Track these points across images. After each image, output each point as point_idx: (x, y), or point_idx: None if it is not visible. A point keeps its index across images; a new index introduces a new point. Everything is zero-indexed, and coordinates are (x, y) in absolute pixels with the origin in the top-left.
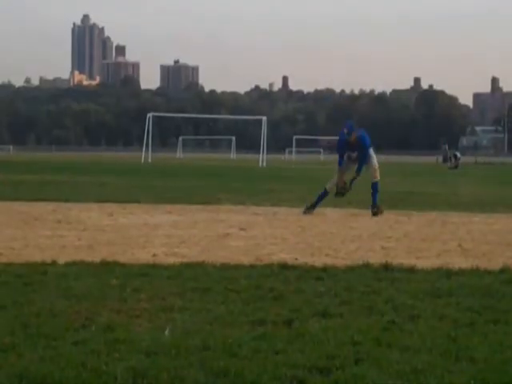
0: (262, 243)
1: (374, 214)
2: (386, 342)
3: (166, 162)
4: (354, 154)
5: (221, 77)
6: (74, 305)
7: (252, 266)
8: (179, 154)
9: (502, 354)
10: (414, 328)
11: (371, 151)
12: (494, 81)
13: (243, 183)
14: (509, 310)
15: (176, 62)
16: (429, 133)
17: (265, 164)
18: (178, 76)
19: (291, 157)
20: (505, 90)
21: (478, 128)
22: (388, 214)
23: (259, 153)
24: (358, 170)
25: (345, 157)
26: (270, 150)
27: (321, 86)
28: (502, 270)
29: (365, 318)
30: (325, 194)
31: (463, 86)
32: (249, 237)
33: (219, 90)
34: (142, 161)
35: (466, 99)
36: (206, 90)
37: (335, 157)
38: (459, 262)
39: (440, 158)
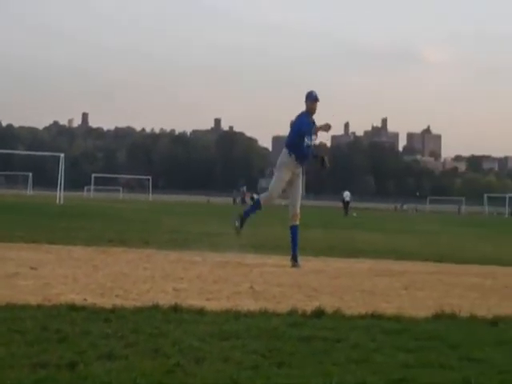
0: (52, 283)
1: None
2: None
3: None
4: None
5: (18, 111)
6: None
7: (39, 307)
8: None
9: None
10: (198, 370)
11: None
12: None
13: (38, 220)
14: (294, 352)
15: None
16: (228, 174)
17: (62, 201)
18: None
19: (90, 194)
20: None
21: None
22: (183, 254)
23: (56, 190)
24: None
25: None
26: (68, 187)
27: (121, 124)
28: (290, 313)
29: (150, 360)
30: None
31: (263, 128)
32: (39, 276)
33: (16, 124)
34: None
35: (266, 142)
36: (3, 124)
37: (135, 195)
38: (249, 304)
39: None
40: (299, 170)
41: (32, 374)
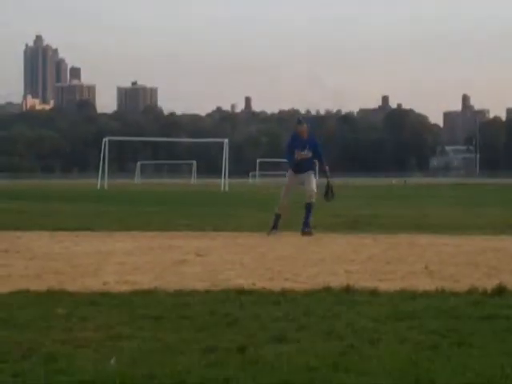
0: (218, 269)
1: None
2: (344, 367)
3: (123, 188)
4: (305, 152)
5: (180, 99)
6: (15, 335)
7: (207, 292)
8: (137, 179)
9: (463, 376)
10: (373, 352)
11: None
12: (465, 99)
13: (203, 208)
14: (474, 332)
15: (133, 83)
16: (398, 153)
17: (227, 188)
18: (136, 98)
19: (255, 180)
20: (476, 107)
21: (448, 148)
22: (352, 237)
23: (221, 177)
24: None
25: (295, 157)
26: (232, 173)
27: (286, 106)
28: (469, 292)
29: (323, 342)
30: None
31: (433, 104)
32: (206, 262)
33: (179, 112)
34: (98, 187)
35: (437, 118)
36: (165, 112)
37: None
38: (424, 284)
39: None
40: (302, 176)
41: (202, 358)
